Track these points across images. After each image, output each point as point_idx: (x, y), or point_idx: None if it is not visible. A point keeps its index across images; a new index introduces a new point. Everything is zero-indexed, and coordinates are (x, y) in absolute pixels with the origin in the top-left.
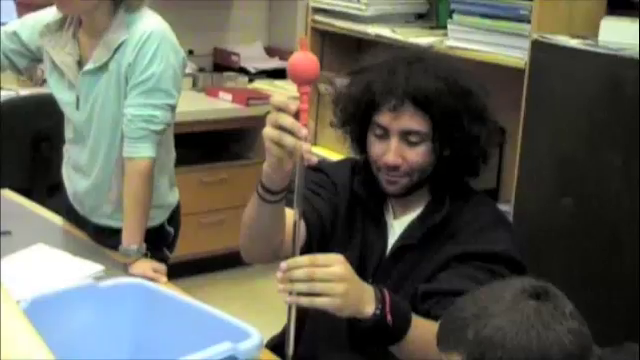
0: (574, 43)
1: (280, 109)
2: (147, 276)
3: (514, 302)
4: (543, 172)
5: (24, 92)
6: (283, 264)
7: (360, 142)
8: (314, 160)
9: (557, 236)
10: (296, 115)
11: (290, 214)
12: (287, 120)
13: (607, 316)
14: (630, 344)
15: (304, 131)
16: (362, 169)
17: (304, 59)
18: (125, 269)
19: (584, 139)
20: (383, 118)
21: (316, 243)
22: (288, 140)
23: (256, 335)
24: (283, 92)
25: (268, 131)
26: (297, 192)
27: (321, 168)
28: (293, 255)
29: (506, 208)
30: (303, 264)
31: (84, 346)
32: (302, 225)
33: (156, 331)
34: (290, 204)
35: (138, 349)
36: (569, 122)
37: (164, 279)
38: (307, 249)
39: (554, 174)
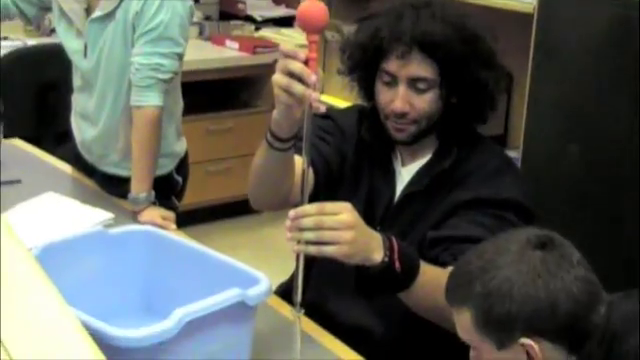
0: None
1: (289, 56)
2: (156, 224)
3: (520, 253)
4: (550, 118)
5: (31, 42)
6: (291, 212)
7: (368, 89)
8: (322, 108)
9: (564, 182)
10: (305, 64)
11: (299, 161)
12: (296, 66)
13: (612, 261)
14: None
15: (313, 77)
16: (370, 116)
17: (313, 7)
18: (134, 217)
19: (591, 85)
20: (391, 65)
21: (323, 189)
22: (297, 87)
23: (265, 281)
24: (290, 40)
25: (277, 78)
26: (305, 140)
27: (329, 115)
28: (302, 203)
29: (514, 154)
30: (311, 212)
31: (94, 292)
32: (310, 172)
33: (165, 278)
34: (299, 152)
35: (148, 295)
36: (577, 68)
37: (173, 226)
38: (314, 196)
39: (561, 120)
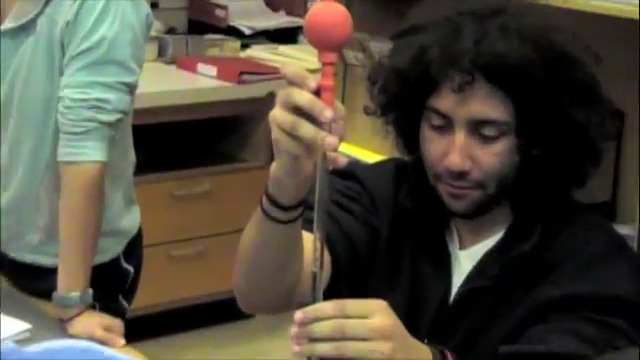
0: None
1: (294, 84)
2: (95, 337)
3: None
4: None
5: None
6: (298, 314)
7: (409, 137)
8: (343, 161)
9: None
10: (317, 95)
11: (309, 240)
12: (305, 99)
13: None
14: None
15: (329, 114)
16: (412, 175)
17: (329, 12)
18: (62, 327)
19: None
20: (444, 102)
21: (346, 282)
22: (306, 129)
23: None
24: (294, 63)
25: (277, 115)
26: (318, 208)
27: (353, 174)
28: (314, 301)
29: (627, 231)
30: (328, 314)
31: None
32: (326, 257)
33: None
34: (309, 226)
35: None
36: None
37: (121, 341)
38: (333, 291)
39: None
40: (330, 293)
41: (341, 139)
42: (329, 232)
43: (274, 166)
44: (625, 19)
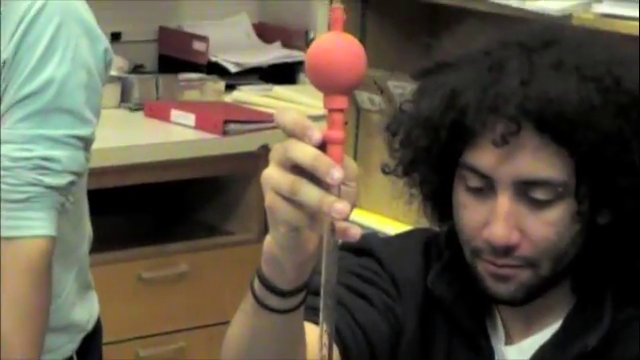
0: None
1: (294, 135)
2: None
3: None
4: None
5: None
6: None
7: (440, 202)
8: (356, 233)
9: None
10: (322, 150)
11: (312, 334)
12: (307, 155)
13: None
14: None
15: (337, 174)
16: (445, 252)
17: (338, 46)
18: None
19: None
20: (483, 158)
21: None
22: (309, 192)
23: None
24: (294, 108)
25: (273, 175)
26: (325, 295)
27: (369, 249)
28: None
29: None
30: None
31: None
32: (335, 354)
33: None
34: (312, 315)
35: None
36: None
37: None
38: None
39: None
40: None
41: (354, 205)
42: (338, 323)
43: (268, 240)
44: None
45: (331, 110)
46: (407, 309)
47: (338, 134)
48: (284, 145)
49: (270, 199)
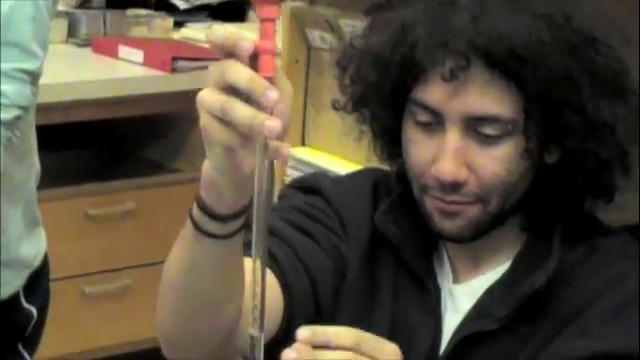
0: None
1: (225, 49)
2: None
3: None
4: None
5: None
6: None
7: (389, 138)
8: (286, 152)
9: None
10: (254, 68)
11: (249, 271)
12: (243, 76)
13: None
14: None
15: (273, 94)
16: (393, 188)
17: None
18: None
19: None
20: (432, 93)
21: (303, 323)
22: (241, 111)
23: None
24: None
25: (206, 97)
26: (258, 220)
27: (317, 188)
28: (258, 341)
29: None
30: (344, 344)
31: None
32: (277, 292)
33: None
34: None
35: None
36: None
37: None
38: (284, 338)
39: None
40: (285, 338)
41: (287, 124)
42: (282, 260)
43: (206, 165)
44: None
45: (262, 20)
46: (353, 247)
47: (269, 44)
48: (220, 66)
49: (204, 120)
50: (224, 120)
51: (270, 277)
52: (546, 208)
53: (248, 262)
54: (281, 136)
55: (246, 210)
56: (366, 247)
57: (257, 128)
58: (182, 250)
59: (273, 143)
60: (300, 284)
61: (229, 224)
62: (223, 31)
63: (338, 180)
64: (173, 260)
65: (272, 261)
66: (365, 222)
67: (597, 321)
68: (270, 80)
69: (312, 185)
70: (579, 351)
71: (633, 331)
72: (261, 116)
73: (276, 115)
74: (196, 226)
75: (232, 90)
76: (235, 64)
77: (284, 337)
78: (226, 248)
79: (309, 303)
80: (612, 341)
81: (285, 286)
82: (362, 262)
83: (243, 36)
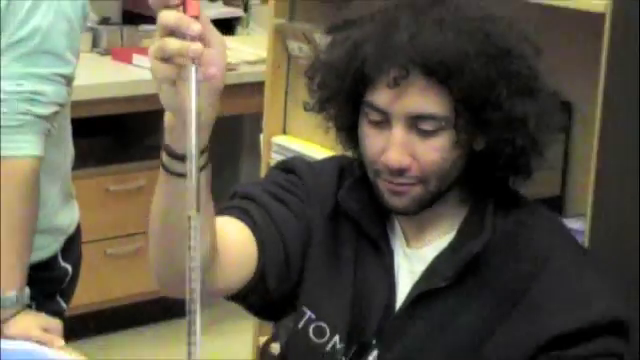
0: None
1: (157, 4)
2: (33, 338)
3: None
4: (633, 167)
5: None
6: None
7: (349, 132)
8: (213, 70)
9: None
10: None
11: (234, 226)
12: (171, 16)
13: None
14: None
15: (196, 26)
16: (358, 171)
17: None
18: None
19: None
20: (380, 97)
21: (275, 278)
22: (172, 44)
23: None
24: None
25: (151, 45)
26: (189, 138)
27: (294, 169)
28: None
29: (576, 225)
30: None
31: None
32: (253, 247)
33: None
34: (237, 214)
35: None
36: None
37: (59, 342)
38: (258, 285)
39: None
40: (256, 288)
41: (221, 67)
42: (259, 221)
43: (166, 114)
44: (582, 11)
45: None
46: (319, 217)
47: None
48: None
49: (151, 64)
50: (164, 58)
51: (247, 234)
52: (478, 186)
53: (236, 222)
54: (214, 74)
55: (204, 150)
56: (329, 219)
57: (185, 54)
58: (158, 193)
59: (195, 60)
60: (273, 241)
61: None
62: None
63: (311, 163)
64: (153, 204)
65: (251, 221)
66: (330, 198)
67: (544, 311)
68: (196, 18)
69: (290, 166)
70: (535, 336)
71: (578, 306)
72: (187, 44)
73: (209, 60)
74: (165, 168)
75: (165, 30)
76: (167, 11)
77: (257, 286)
78: None
79: (280, 258)
80: (560, 322)
81: (260, 242)
82: (327, 229)
83: None
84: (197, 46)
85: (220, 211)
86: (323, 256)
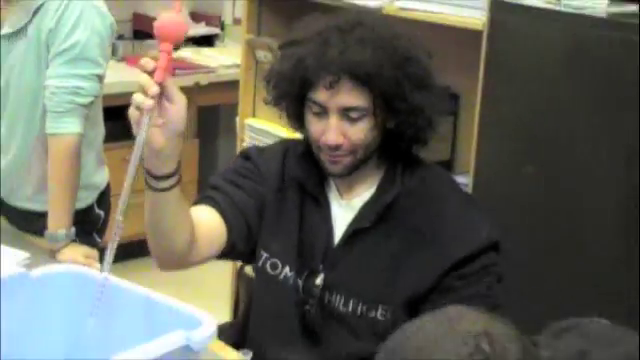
0: (536, 2)
1: (144, 70)
2: (78, 263)
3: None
4: (503, 140)
5: None
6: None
7: (297, 120)
8: (160, 122)
9: (520, 206)
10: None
11: (206, 213)
12: (142, 78)
13: (575, 286)
14: (581, 320)
15: (154, 88)
16: (301, 147)
17: (169, 18)
18: (52, 256)
19: (547, 103)
20: (319, 95)
21: (243, 243)
22: (137, 98)
23: (209, 322)
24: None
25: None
26: (133, 159)
27: (249, 155)
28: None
29: (462, 180)
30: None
31: (17, 341)
32: (222, 226)
33: (96, 322)
34: (209, 203)
35: (77, 343)
36: (530, 86)
37: (97, 265)
38: (231, 250)
39: (515, 141)
40: (231, 252)
41: (179, 121)
42: (224, 206)
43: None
44: (465, 28)
45: (161, 50)
46: (268, 189)
47: (161, 64)
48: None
49: (130, 110)
50: (134, 106)
51: (216, 216)
52: (390, 154)
53: (207, 209)
54: (171, 120)
55: (171, 175)
56: (278, 189)
57: (141, 105)
58: (146, 199)
59: (147, 113)
60: (236, 218)
61: (163, 182)
62: (146, 61)
63: (262, 149)
64: (145, 207)
65: (218, 207)
66: (277, 173)
67: (443, 246)
68: (160, 84)
69: (247, 154)
70: (440, 264)
71: (468, 237)
72: (141, 98)
73: (170, 112)
74: (147, 183)
75: (139, 90)
76: (144, 75)
77: (231, 250)
78: (167, 198)
79: (243, 228)
80: (457, 250)
81: (226, 222)
82: (276, 197)
83: (149, 61)
84: (149, 103)
85: (197, 201)
86: (274, 216)
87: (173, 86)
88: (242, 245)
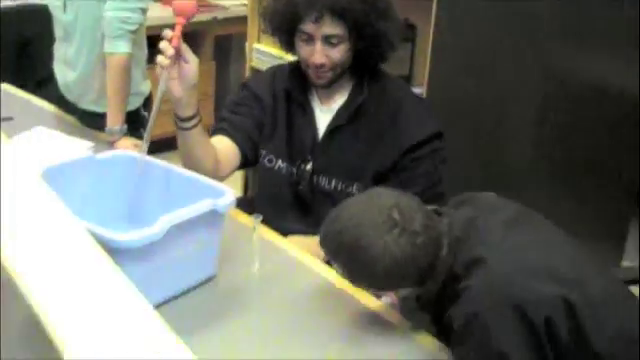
0: None
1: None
2: (130, 149)
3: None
4: (449, 60)
5: (9, 3)
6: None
7: (289, 45)
8: (175, 75)
9: (461, 108)
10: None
11: (222, 142)
12: (162, 43)
13: (495, 167)
14: (475, 194)
15: (170, 51)
16: (288, 68)
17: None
18: (110, 146)
19: (485, 34)
20: (307, 27)
21: (252, 153)
22: (159, 58)
23: (230, 193)
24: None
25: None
26: (155, 108)
27: (245, 85)
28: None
29: (418, 90)
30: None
31: (88, 207)
32: (234, 148)
33: (147, 193)
34: (225, 132)
35: (133, 209)
36: (473, 19)
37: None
38: (245, 161)
39: (459, 60)
40: (244, 163)
41: (193, 76)
42: (232, 132)
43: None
44: None
45: (177, 23)
46: (265, 107)
47: (177, 33)
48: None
49: (157, 70)
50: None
51: (229, 142)
52: (360, 69)
53: (222, 138)
54: (187, 73)
55: (192, 117)
56: (270, 104)
57: (161, 64)
58: (178, 138)
59: (159, 70)
60: (243, 140)
61: (186, 122)
62: (166, 32)
63: (256, 75)
64: (177, 141)
65: (227, 134)
66: (268, 92)
67: (403, 131)
68: (176, 48)
69: (245, 83)
70: (405, 144)
71: (424, 125)
72: (163, 58)
73: (185, 68)
74: (176, 125)
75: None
76: (163, 41)
77: (245, 163)
78: (192, 134)
79: (249, 145)
80: (417, 133)
81: (237, 144)
82: (269, 110)
83: (168, 32)
84: (167, 62)
85: (212, 132)
86: (269, 125)
87: (187, 50)
88: (252, 155)
